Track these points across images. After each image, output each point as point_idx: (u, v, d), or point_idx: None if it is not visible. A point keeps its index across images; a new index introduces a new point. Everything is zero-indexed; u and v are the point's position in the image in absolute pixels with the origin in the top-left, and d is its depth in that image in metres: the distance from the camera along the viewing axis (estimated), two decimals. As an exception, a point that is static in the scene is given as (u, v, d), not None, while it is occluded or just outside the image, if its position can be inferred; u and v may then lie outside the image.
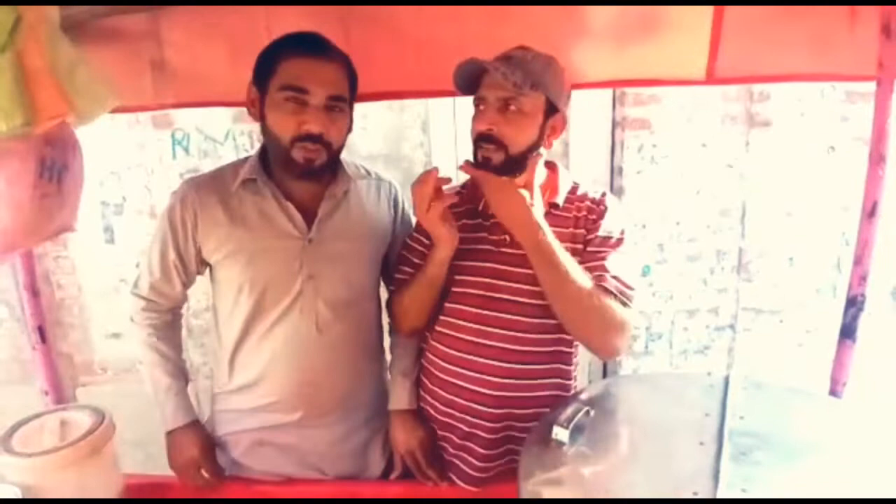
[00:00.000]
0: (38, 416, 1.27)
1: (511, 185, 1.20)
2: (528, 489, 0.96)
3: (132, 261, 2.73)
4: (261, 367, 1.39)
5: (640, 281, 2.76)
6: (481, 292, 1.32)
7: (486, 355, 1.31)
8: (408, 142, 2.69)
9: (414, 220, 1.45)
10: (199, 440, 1.40)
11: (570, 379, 1.38)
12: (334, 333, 1.38)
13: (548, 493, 0.94)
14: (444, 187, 1.32)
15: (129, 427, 1.48)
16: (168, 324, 1.46)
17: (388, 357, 1.54)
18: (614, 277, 1.24)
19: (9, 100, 1.07)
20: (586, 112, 2.54)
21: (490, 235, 1.33)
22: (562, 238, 1.27)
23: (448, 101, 2.49)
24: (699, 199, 2.69)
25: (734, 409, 1.12)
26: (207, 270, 1.43)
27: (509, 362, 1.31)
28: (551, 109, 1.26)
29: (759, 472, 0.95)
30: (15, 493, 1.12)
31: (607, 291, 1.22)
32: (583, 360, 1.55)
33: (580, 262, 1.25)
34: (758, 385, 1.21)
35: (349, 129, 1.36)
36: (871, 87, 1.34)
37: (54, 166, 1.22)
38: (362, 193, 1.45)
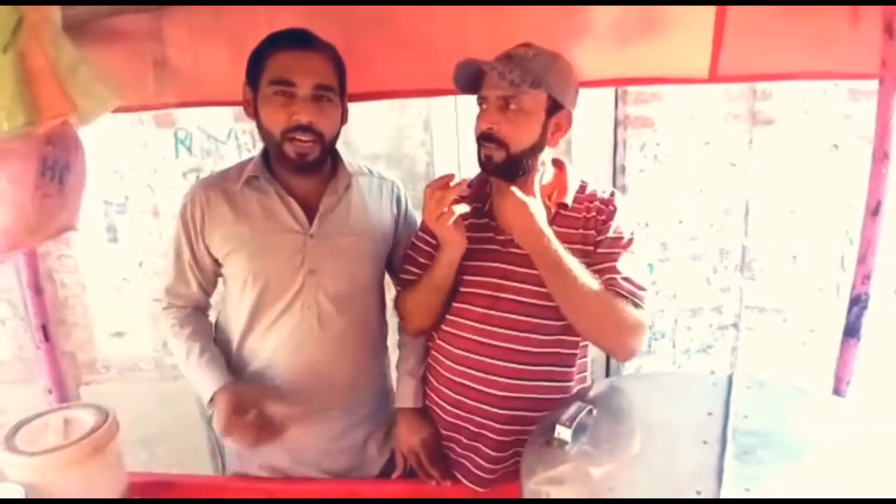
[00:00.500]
0: (41, 414, 1.27)
1: (512, 194, 1.19)
2: (530, 488, 0.96)
3: (135, 260, 2.74)
4: (263, 360, 1.40)
5: (643, 279, 2.76)
6: (489, 292, 1.31)
7: (493, 355, 1.31)
8: (410, 140, 2.69)
9: (418, 218, 1.45)
10: (242, 398, 1.32)
11: (573, 379, 1.38)
12: (336, 328, 1.39)
13: (550, 492, 0.94)
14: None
15: (133, 425, 1.48)
16: (192, 314, 1.46)
17: (395, 355, 1.54)
18: (626, 279, 1.24)
19: (11, 99, 1.08)
20: (589, 110, 2.54)
21: (497, 235, 1.32)
22: (571, 239, 1.27)
23: (450, 99, 2.49)
24: (702, 198, 2.69)
25: (737, 408, 1.11)
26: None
27: (516, 362, 1.31)
28: (555, 107, 1.25)
29: (763, 471, 0.95)
30: (19, 492, 1.12)
31: (619, 294, 1.22)
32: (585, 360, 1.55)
33: (590, 264, 1.25)
34: (761, 384, 1.21)
35: (343, 121, 1.38)
36: (873, 84, 1.33)
37: (56, 166, 1.23)
38: (364, 190, 1.46)
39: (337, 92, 1.33)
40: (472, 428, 1.36)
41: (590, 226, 1.30)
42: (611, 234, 1.28)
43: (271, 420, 1.32)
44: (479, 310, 1.32)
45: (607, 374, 2.83)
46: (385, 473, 1.51)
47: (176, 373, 2.83)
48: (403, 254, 1.45)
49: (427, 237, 1.38)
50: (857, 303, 1.38)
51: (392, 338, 1.57)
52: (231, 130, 2.65)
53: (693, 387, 1.24)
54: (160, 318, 1.46)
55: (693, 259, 2.76)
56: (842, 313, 1.41)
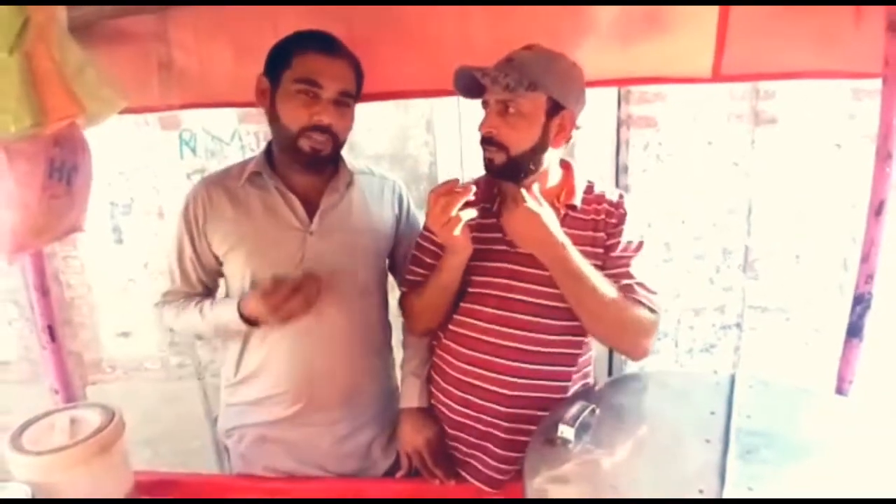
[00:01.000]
0: (47, 414, 1.28)
1: (522, 207, 1.19)
2: (533, 487, 0.96)
3: (140, 260, 2.75)
4: (262, 358, 1.41)
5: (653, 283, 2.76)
6: (498, 293, 1.32)
7: (501, 355, 1.32)
8: (413, 141, 2.69)
9: (420, 218, 1.46)
10: (266, 286, 1.31)
11: (572, 378, 1.38)
12: (335, 327, 1.40)
13: (553, 491, 0.95)
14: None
15: (139, 425, 1.49)
16: (193, 296, 1.47)
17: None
18: (640, 285, 1.26)
19: (17, 101, 1.08)
20: (592, 110, 2.53)
21: (505, 236, 1.32)
22: (582, 241, 1.28)
23: (453, 100, 2.49)
24: (705, 198, 2.68)
25: (740, 407, 1.12)
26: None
27: (525, 362, 1.31)
28: (556, 108, 1.24)
29: (765, 470, 0.95)
30: (25, 492, 1.13)
31: (636, 301, 1.24)
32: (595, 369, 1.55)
33: (603, 267, 1.27)
34: (764, 383, 1.21)
35: (352, 125, 1.39)
36: (877, 84, 1.33)
37: (63, 167, 1.23)
38: (365, 190, 1.47)
39: (354, 98, 1.36)
40: (480, 427, 1.36)
41: (599, 228, 1.31)
42: (623, 239, 1.30)
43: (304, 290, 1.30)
44: (488, 310, 1.33)
45: (610, 374, 2.83)
46: (389, 475, 1.52)
47: (181, 372, 2.88)
48: (408, 254, 1.45)
49: (432, 237, 1.38)
50: (860, 302, 1.38)
51: (396, 337, 1.57)
52: (235, 132, 2.66)
53: (696, 386, 1.24)
54: (163, 313, 1.47)
55: (696, 259, 2.76)
56: (845, 313, 1.41)
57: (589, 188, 1.35)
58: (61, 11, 1.17)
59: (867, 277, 1.36)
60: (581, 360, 1.38)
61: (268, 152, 1.42)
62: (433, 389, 1.45)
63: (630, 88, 2.56)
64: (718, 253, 2.75)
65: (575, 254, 1.20)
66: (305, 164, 1.35)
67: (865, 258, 1.37)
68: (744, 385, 1.19)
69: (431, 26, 1.47)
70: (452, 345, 1.38)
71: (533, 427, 1.27)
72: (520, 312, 1.31)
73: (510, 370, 1.32)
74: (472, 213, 1.21)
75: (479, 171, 1.35)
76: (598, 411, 1.11)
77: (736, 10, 1.38)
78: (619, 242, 1.30)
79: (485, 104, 1.28)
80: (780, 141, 2.60)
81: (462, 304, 1.36)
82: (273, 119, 1.34)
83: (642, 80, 1.64)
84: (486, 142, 1.26)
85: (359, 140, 2.63)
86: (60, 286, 2.79)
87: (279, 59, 1.31)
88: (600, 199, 1.34)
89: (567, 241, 1.20)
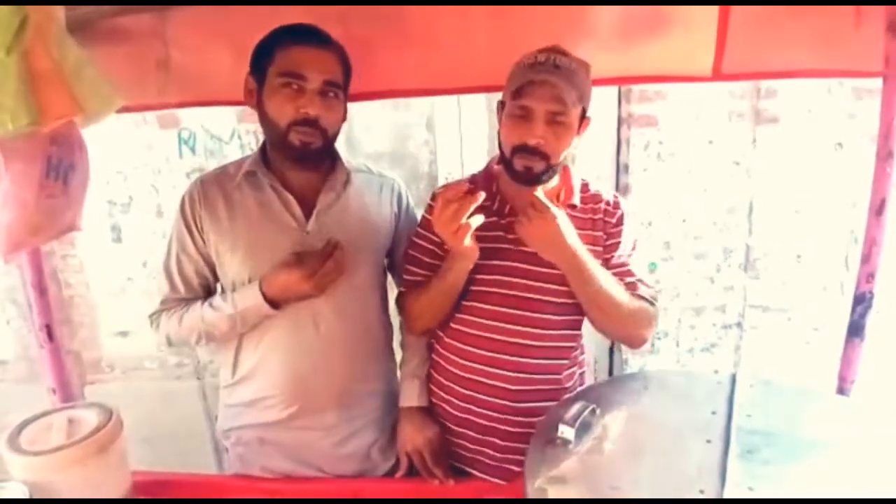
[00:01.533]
0: (45, 414, 1.27)
1: (539, 216, 1.20)
2: (533, 487, 0.96)
3: (139, 259, 2.74)
4: (257, 360, 1.40)
5: (647, 278, 2.76)
6: (500, 290, 1.33)
7: (504, 351, 1.33)
8: (413, 140, 2.69)
9: (419, 217, 1.45)
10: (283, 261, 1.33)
11: (564, 372, 1.40)
12: (332, 328, 1.38)
13: (554, 492, 0.94)
14: (453, 184, 1.33)
15: (137, 424, 1.48)
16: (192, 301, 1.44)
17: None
18: (640, 281, 1.35)
19: (15, 100, 1.08)
20: (592, 109, 2.54)
21: (507, 234, 1.33)
22: (582, 239, 1.29)
23: (453, 99, 2.48)
24: (706, 197, 2.68)
25: (741, 407, 1.11)
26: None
27: (526, 357, 1.33)
28: (583, 116, 1.29)
29: (766, 470, 0.94)
30: (23, 492, 1.12)
31: (641, 298, 1.33)
32: (588, 359, 1.56)
33: (603, 262, 1.32)
34: (765, 383, 1.21)
35: (343, 119, 1.38)
36: (878, 83, 1.33)
37: (60, 166, 1.23)
38: (363, 188, 1.46)
39: (342, 89, 1.34)
40: (483, 422, 1.38)
41: (598, 227, 1.35)
42: (624, 239, 1.35)
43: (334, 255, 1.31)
44: (491, 307, 1.34)
45: (610, 373, 2.83)
46: (388, 475, 1.51)
47: (180, 372, 2.87)
48: (405, 253, 1.45)
49: (429, 235, 1.37)
50: (861, 302, 1.37)
51: (396, 339, 1.57)
52: (234, 131, 2.65)
53: (697, 386, 1.24)
54: (160, 322, 1.43)
55: (697, 258, 2.75)
56: (846, 312, 1.41)
57: (584, 187, 1.38)
58: (59, 11, 1.16)
59: (868, 277, 1.36)
60: (574, 353, 1.42)
61: (263, 151, 1.41)
62: (434, 388, 1.45)
63: (631, 87, 2.55)
64: (719, 252, 2.74)
65: (588, 257, 1.24)
66: (297, 159, 1.33)
67: (866, 257, 1.37)
68: (745, 385, 1.19)
69: (432, 25, 1.46)
70: (455, 342, 1.39)
71: (534, 419, 1.29)
72: (521, 309, 1.32)
73: (512, 365, 1.33)
74: (480, 219, 1.20)
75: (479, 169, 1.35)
76: (598, 411, 1.10)
77: (736, 9, 1.38)
78: (619, 243, 1.35)
79: (522, 110, 1.24)
80: (781, 140, 2.60)
81: (463, 303, 1.37)
82: (262, 117, 1.33)
83: (643, 79, 1.64)
84: (530, 151, 1.24)
85: (358, 139, 2.63)
86: (59, 285, 2.78)
87: (263, 56, 1.30)
88: (597, 198, 1.37)
89: (581, 247, 1.23)
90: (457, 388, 1.40)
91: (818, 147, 2.60)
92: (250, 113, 1.38)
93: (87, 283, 2.82)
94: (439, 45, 1.47)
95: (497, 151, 1.37)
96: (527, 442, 1.27)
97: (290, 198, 1.36)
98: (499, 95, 1.34)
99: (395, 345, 1.58)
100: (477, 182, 1.38)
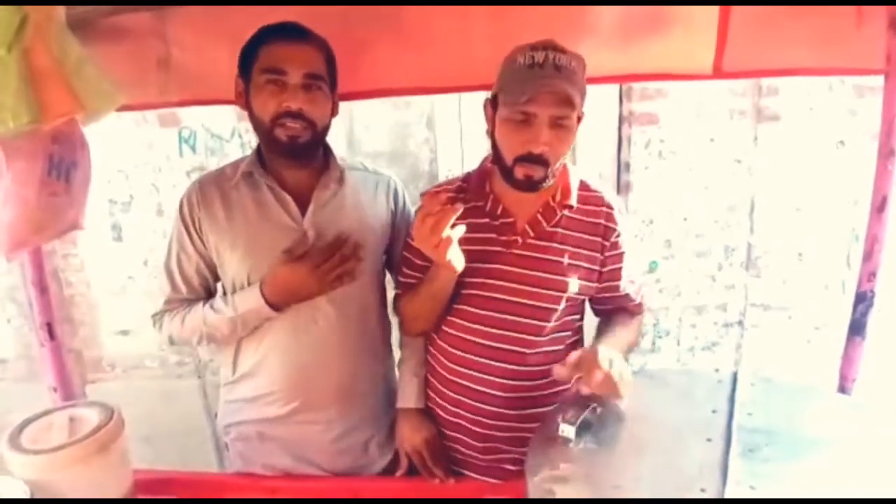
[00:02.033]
0: (46, 412, 1.27)
1: (604, 374, 1.11)
2: (535, 486, 0.96)
3: (140, 258, 2.75)
4: (259, 356, 1.40)
5: (648, 277, 2.77)
6: (491, 294, 1.30)
7: (493, 357, 1.31)
8: (413, 138, 2.69)
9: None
10: (285, 258, 1.34)
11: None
12: (331, 326, 1.39)
13: (555, 491, 0.94)
14: (444, 183, 1.33)
15: (138, 423, 1.48)
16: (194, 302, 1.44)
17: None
18: (636, 293, 1.40)
19: (16, 98, 1.08)
20: (593, 107, 2.53)
21: (499, 236, 1.30)
22: (579, 243, 1.29)
23: (453, 97, 2.48)
24: (707, 195, 2.68)
25: (742, 405, 1.11)
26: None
27: (519, 365, 1.31)
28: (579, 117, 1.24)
29: (767, 468, 0.94)
30: (24, 491, 1.12)
31: (635, 312, 1.41)
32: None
33: (601, 271, 1.33)
34: (766, 381, 1.21)
35: (333, 113, 1.38)
36: (879, 80, 1.32)
37: (62, 164, 1.23)
38: (358, 186, 1.46)
39: (327, 82, 1.33)
40: (474, 428, 1.36)
41: (598, 232, 1.31)
42: (624, 247, 1.34)
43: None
44: (481, 311, 1.32)
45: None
46: (388, 473, 1.51)
47: (181, 370, 2.88)
48: (400, 255, 1.43)
49: None
50: (863, 300, 1.37)
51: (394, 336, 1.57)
52: (235, 129, 2.66)
53: (698, 384, 1.24)
54: (163, 322, 1.42)
55: (698, 256, 2.76)
56: (847, 311, 1.40)
57: (583, 186, 1.34)
58: (60, 9, 1.16)
59: (870, 275, 1.36)
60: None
61: (259, 151, 1.41)
62: (428, 390, 1.44)
63: (632, 85, 2.55)
64: (721, 250, 2.75)
65: (621, 344, 1.30)
66: (286, 154, 1.33)
67: (868, 255, 1.36)
68: (746, 383, 1.19)
69: (432, 24, 1.46)
70: (445, 346, 1.37)
71: (529, 424, 1.28)
72: (511, 314, 1.30)
73: (500, 371, 1.31)
74: (461, 230, 1.15)
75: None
76: (599, 410, 1.10)
77: (737, 7, 1.38)
78: (621, 254, 1.34)
79: (525, 115, 1.17)
80: (782, 138, 2.60)
81: (455, 306, 1.35)
82: (251, 117, 1.34)
83: (644, 77, 1.64)
84: (534, 159, 1.19)
85: (358, 137, 2.63)
86: (60, 284, 2.78)
87: (248, 56, 1.30)
88: (598, 199, 1.33)
89: (619, 359, 1.17)
90: (447, 391, 1.39)
91: (820, 145, 2.60)
92: (251, 112, 1.38)
93: (88, 281, 2.82)
94: (439, 44, 1.47)
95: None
96: (523, 446, 1.28)
97: (287, 196, 1.36)
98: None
99: (394, 343, 1.58)
100: (470, 181, 1.36)
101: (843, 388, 1.41)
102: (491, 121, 1.26)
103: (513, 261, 1.29)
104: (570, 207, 1.30)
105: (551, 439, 1.04)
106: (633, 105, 2.61)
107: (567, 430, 1.04)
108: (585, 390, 1.11)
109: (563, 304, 1.30)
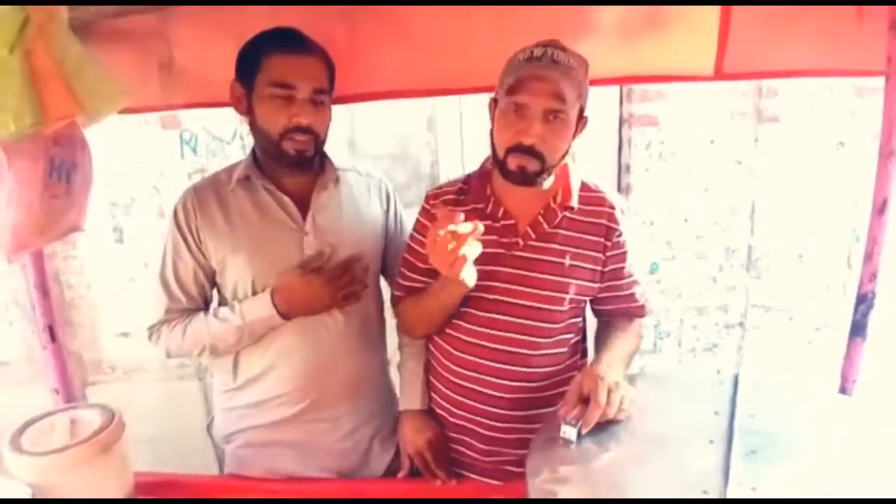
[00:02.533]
0: (48, 414, 1.27)
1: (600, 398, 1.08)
2: (535, 487, 0.96)
3: (141, 260, 2.75)
4: (268, 360, 1.40)
5: (649, 279, 2.77)
6: (493, 296, 1.30)
7: (496, 359, 1.31)
8: (414, 141, 2.69)
9: (407, 215, 1.46)
10: (295, 272, 1.35)
11: (570, 371, 1.39)
12: (337, 323, 1.40)
13: (555, 492, 0.94)
14: (446, 185, 1.33)
15: (139, 425, 1.48)
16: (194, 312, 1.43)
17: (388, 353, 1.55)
18: (635, 283, 1.38)
19: (18, 100, 1.08)
20: (593, 109, 2.53)
21: (501, 238, 1.30)
22: (580, 244, 1.29)
23: (454, 99, 2.48)
24: (708, 196, 2.68)
25: (744, 407, 1.11)
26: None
27: (523, 366, 1.30)
28: (580, 114, 1.24)
29: (769, 470, 0.94)
30: (25, 492, 1.12)
31: (637, 314, 1.41)
32: (589, 361, 1.55)
33: (602, 271, 1.32)
34: (767, 383, 1.21)
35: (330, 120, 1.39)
36: (880, 82, 1.32)
37: (63, 166, 1.23)
38: (353, 186, 1.48)
39: (329, 94, 1.35)
40: (479, 430, 1.36)
41: (600, 233, 1.31)
42: (624, 245, 1.34)
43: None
44: (483, 314, 1.31)
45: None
46: (390, 471, 1.51)
47: (182, 373, 2.87)
48: (401, 257, 1.42)
49: (423, 239, 1.33)
50: (864, 301, 1.37)
51: (392, 338, 1.57)
52: (236, 131, 2.66)
53: (699, 386, 1.24)
54: (161, 334, 1.41)
55: (699, 258, 2.75)
56: (848, 312, 1.40)
57: (584, 187, 1.33)
58: (62, 10, 1.16)
59: (870, 276, 1.36)
60: (574, 358, 1.40)
61: (255, 155, 1.41)
62: (432, 394, 1.44)
63: (632, 87, 2.55)
64: (721, 252, 2.74)
65: (624, 360, 1.27)
66: (291, 166, 1.34)
67: (869, 257, 1.36)
68: (747, 385, 1.19)
69: (432, 26, 1.46)
70: (448, 348, 1.37)
71: (532, 425, 1.28)
72: (514, 316, 1.30)
73: (504, 373, 1.31)
74: (478, 249, 1.12)
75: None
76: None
77: (738, 8, 1.38)
78: (623, 253, 1.33)
79: (518, 107, 1.18)
80: (783, 139, 2.60)
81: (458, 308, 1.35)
82: (252, 124, 1.34)
83: (644, 79, 1.63)
84: (525, 150, 1.18)
85: (359, 140, 2.63)
86: (61, 286, 2.78)
87: (249, 63, 1.30)
88: (601, 200, 1.33)
89: (618, 368, 1.19)
90: (452, 394, 1.38)
91: (820, 146, 2.60)
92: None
93: (89, 284, 2.82)
94: (440, 46, 1.47)
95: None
96: (526, 447, 1.27)
97: (286, 199, 1.37)
98: (500, 96, 1.33)
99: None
100: (471, 183, 1.36)
101: (844, 390, 1.40)
102: (492, 119, 1.27)
103: (514, 263, 1.29)
104: (571, 208, 1.30)
105: (552, 441, 1.04)
106: (634, 107, 2.61)
107: (568, 432, 1.04)
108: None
109: (566, 306, 1.30)
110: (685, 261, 2.75)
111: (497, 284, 1.29)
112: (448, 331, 1.37)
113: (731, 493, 0.89)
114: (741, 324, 2.82)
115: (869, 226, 1.36)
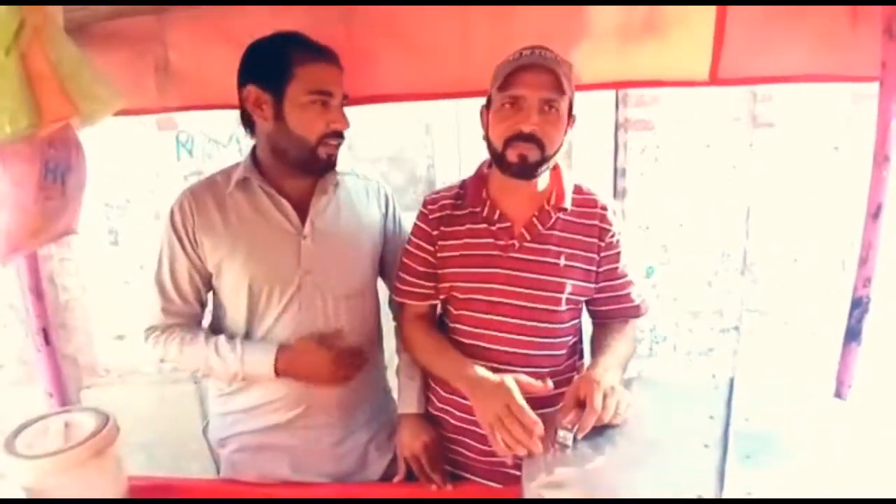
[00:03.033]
0: (42, 417, 1.26)
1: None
2: (531, 491, 0.95)
3: (136, 263, 2.74)
4: None
5: (645, 283, 2.78)
6: (490, 298, 1.30)
7: (497, 360, 1.31)
8: (411, 144, 2.69)
9: (405, 219, 1.46)
10: (308, 342, 1.38)
11: (568, 372, 1.39)
12: (334, 329, 1.39)
13: (551, 496, 0.94)
14: (443, 190, 1.35)
15: (134, 429, 1.47)
16: (194, 327, 1.44)
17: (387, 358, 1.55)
18: (630, 284, 1.36)
19: (14, 102, 1.08)
20: (589, 113, 2.55)
21: (497, 241, 1.30)
22: (574, 244, 1.29)
23: (451, 103, 2.48)
24: (703, 201, 2.69)
25: (739, 411, 1.11)
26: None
27: (521, 366, 1.30)
28: (569, 111, 1.26)
29: (765, 474, 0.94)
30: (20, 495, 1.12)
31: (632, 316, 1.39)
32: (586, 363, 1.55)
33: (597, 272, 1.32)
34: (762, 387, 1.21)
35: None
36: (874, 87, 1.33)
37: (58, 168, 1.23)
38: (351, 190, 1.48)
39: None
40: (479, 431, 1.36)
41: (594, 234, 1.32)
42: (618, 245, 1.34)
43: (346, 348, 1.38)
44: (481, 316, 1.32)
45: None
46: (386, 476, 1.51)
47: (176, 376, 2.86)
48: (399, 261, 1.42)
49: (422, 243, 1.36)
50: (859, 306, 1.38)
51: (389, 343, 1.57)
52: (233, 134, 2.66)
53: (694, 390, 1.24)
54: (158, 341, 1.41)
55: (694, 262, 2.76)
56: (843, 316, 1.41)
57: (577, 189, 1.35)
58: (57, 13, 1.17)
59: (865, 281, 1.36)
60: (571, 360, 1.40)
61: (254, 157, 1.40)
62: (432, 397, 1.44)
63: (627, 92, 2.56)
64: (717, 256, 2.75)
65: (620, 363, 1.27)
66: (320, 171, 1.36)
67: (863, 261, 1.37)
68: (742, 389, 1.19)
69: (430, 29, 1.47)
70: None
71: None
72: (512, 317, 1.30)
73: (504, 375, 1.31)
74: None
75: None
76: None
77: (733, 14, 1.39)
78: (617, 254, 1.34)
79: (514, 99, 1.20)
80: (777, 144, 2.61)
81: (453, 311, 1.36)
82: (281, 130, 1.31)
83: (639, 84, 1.64)
84: (525, 138, 1.20)
85: (357, 143, 2.63)
86: (55, 289, 2.78)
87: (279, 71, 1.28)
88: (592, 202, 1.34)
89: (615, 373, 1.20)
90: (450, 395, 1.38)
91: (815, 151, 2.61)
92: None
93: (84, 286, 2.82)
94: (438, 50, 1.48)
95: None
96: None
97: (285, 203, 1.37)
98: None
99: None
100: (467, 187, 1.37)
101: (839, 394, 1.41)
102: (486, 125, 1.28)
103: (511, 264, 1.30)
104: (565, 210, 1.31)
105: (549, 444, 1.04)
106: (629, 111, 2.62)
107: (564, 436, 1.04)
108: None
109: (563, 307, 1.31)
110: (680, 265, 2.75)
111: (494, 286, 1.30)
112: (448, 334, 1.37)
113: (727, 497, 0.89)
114: (736, 328, 2.83)
115: (863, 231, 1.36)
